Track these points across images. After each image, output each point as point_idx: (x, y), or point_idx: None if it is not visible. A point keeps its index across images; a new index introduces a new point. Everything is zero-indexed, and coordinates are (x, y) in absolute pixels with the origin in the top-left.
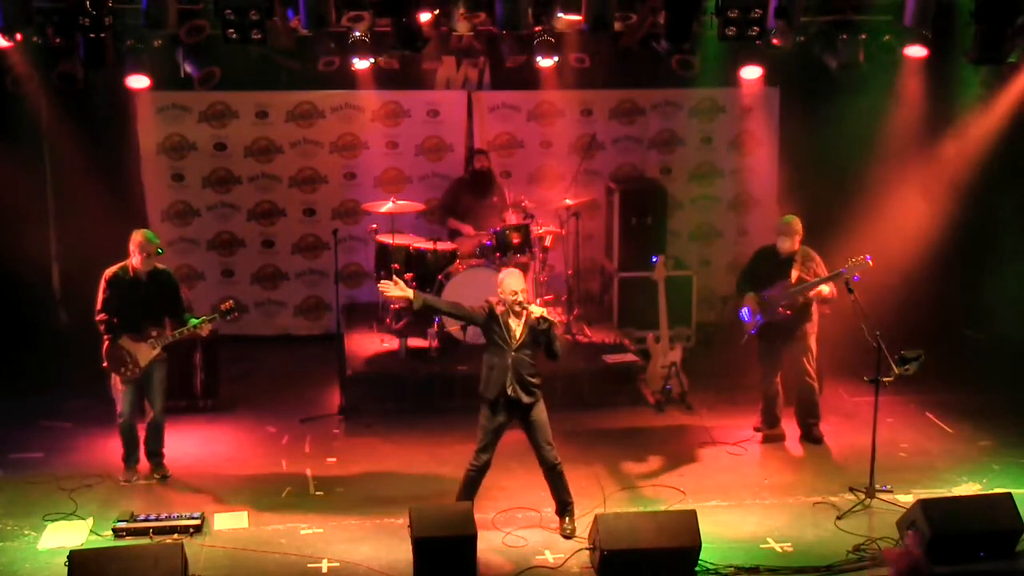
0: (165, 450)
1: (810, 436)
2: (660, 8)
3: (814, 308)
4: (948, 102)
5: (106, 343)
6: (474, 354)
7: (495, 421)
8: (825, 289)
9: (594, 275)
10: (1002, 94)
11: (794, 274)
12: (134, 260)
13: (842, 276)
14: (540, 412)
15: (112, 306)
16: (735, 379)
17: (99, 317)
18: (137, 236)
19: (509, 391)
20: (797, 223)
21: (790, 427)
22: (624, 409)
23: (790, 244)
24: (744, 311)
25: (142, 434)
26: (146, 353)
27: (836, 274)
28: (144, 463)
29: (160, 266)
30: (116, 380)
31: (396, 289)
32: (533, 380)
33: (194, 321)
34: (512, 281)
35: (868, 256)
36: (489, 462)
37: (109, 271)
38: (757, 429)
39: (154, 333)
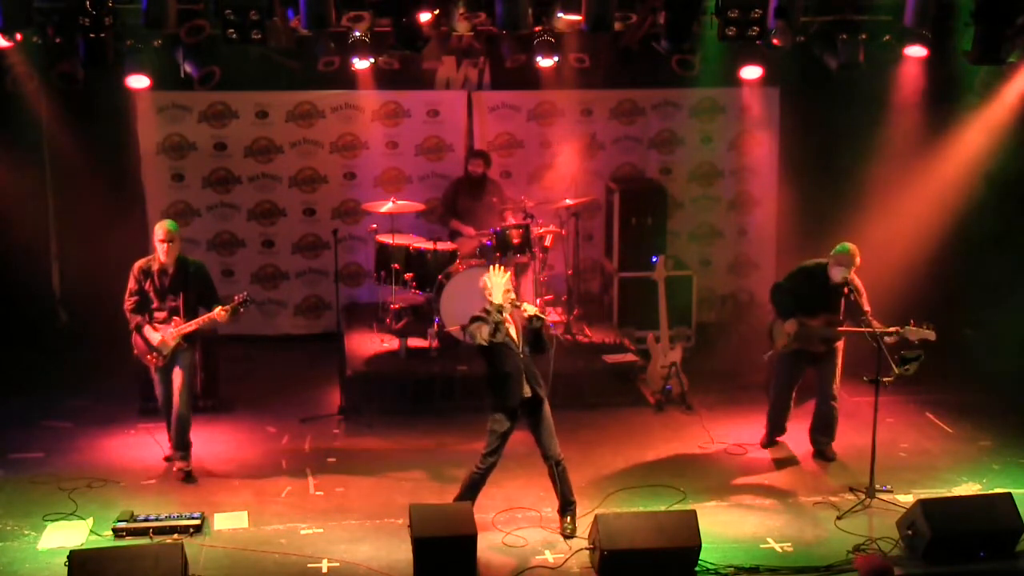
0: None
1: (824, 456)
2: (660, 8)
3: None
4: (948, 102)
5: (133, 332)
6: (474, 354)
7: (507, 426)
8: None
9: (594, 275)
10: (1004, 93)
11: (842, 308)
12: (158, 253)
13: (905, 337)
14: (546, 408)
15: (138, 296)
16: (735, 379)
17: (126, 306)
18: (156, 228)
19: (528, 393)
20: (857, 253)
21: (792, 436)
22: (624, 409)
23: (844, 275)
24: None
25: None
26: (167, 342)
27: (895, 333)
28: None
29: (190, 258)
30: (150, 367)
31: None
32: (539, 377)
33: (215, 308)
34: (502, 280)
35: (933, 327)
36: (495, 465)
37: (137, 263)
38: (765, 446)
39: (173, 322)
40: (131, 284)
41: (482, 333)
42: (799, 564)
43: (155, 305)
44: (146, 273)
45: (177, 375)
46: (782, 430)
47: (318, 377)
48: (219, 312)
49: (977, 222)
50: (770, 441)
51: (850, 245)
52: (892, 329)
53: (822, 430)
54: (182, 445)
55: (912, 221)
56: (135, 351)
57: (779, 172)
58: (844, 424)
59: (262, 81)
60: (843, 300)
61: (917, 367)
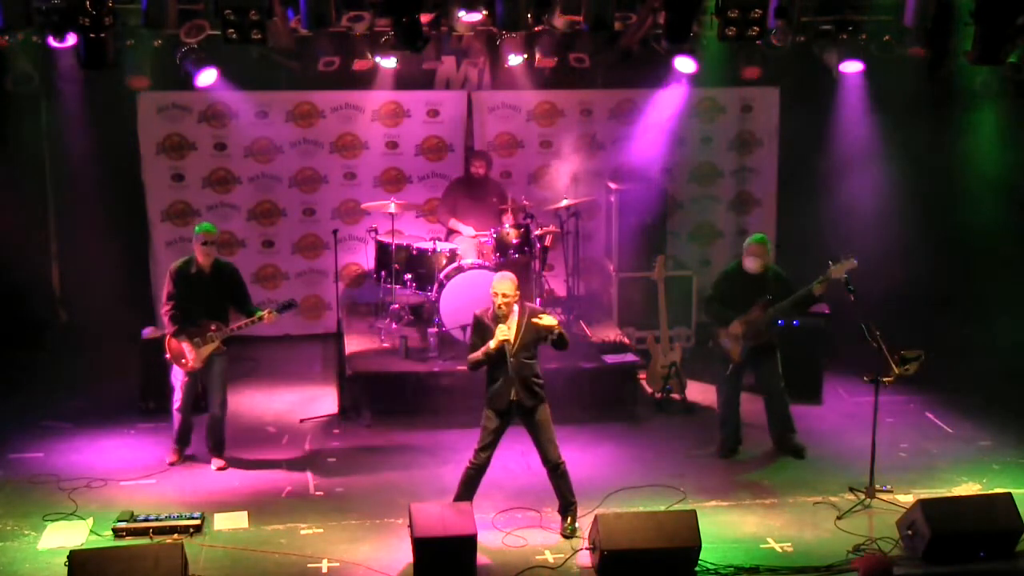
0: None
1: (796, 452)
2: (660, 8)
3: None
4: (948, 102)
5: (168, 336)
6: None
7: (497, 423)
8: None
9: (594, 275)
10: (1003, 93)
11: (771, 293)
12: (198, 255)
13: (830, 278)
14: (544, 412)
15: (176, 300)
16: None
17: (164, 309)
18: (196, 231)
19: (514, 397)
20: (767, 241)
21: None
22: (624, 409)
23: (761, 264)
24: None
25: (202, 430)
26: (205, 346)
27: (825, 278)
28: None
29: (223, 260)
30: (177, 370)
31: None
32: (537, 381)
33: (259, 313)
34: (498, 284)
35: (853, 256)
36: (489, 460)
37: (174, 265)
38: (723, 456)
39: (213, 327)
40: (168, 287)
41: (474, 359)
42: (799, 564)
43: (194, 308)
44: (184, 276)
45: (216, 382)
46: (739, 440)
47: (318, 377)
48: (267, 314)
49: (977, 222)
50: (728, 451)
51: (759, 235)
52: (816, 281)
53: (784, 425)
54: (218, 446)
55: (911, 221)
56: (167, 355)
57: (779, 172)
58: (844, 424)
59: (262, 81)
60: (769, 286)
61: (917, 367)
